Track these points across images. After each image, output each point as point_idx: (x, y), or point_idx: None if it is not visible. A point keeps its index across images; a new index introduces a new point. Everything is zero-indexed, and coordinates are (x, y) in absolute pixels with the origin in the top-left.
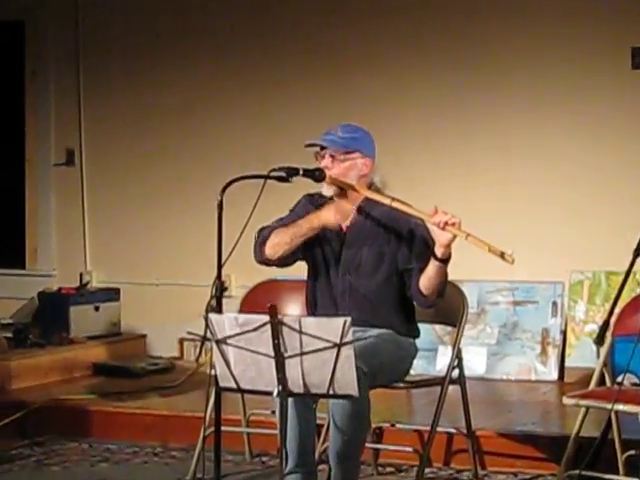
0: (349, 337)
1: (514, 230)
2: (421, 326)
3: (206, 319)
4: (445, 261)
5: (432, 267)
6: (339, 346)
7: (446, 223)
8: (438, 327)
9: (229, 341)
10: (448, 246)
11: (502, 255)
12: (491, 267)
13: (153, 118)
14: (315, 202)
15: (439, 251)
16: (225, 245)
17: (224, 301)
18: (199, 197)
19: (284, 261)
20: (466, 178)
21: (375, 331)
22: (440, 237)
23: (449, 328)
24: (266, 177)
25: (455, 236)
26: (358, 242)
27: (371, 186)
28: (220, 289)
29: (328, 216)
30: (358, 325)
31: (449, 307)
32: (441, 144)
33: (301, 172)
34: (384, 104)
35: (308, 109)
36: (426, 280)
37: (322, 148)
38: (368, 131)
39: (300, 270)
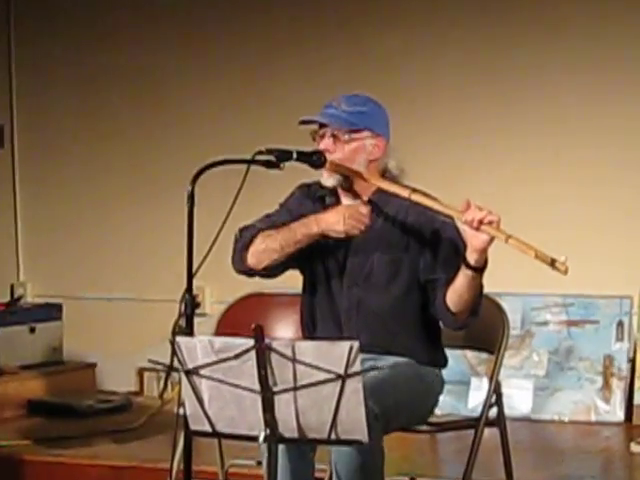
0: (357, 367)
1: (568, 232)
2: (449, 352)
3: (173, 343)
4: (480, 270)
5: (463, 277)
6: (344, 378)
7: (481, 221)
8: (470, 354)
9: (202, 372)
10: (484, 251)
11: (553, 263)
12: (539, 277)
13: (103, 90)
14: (312, 195)
15: (472, 257)
16: (197, 249)
17: (196, 320)
18: (164, 189)
19: (271, 271)
20: (507, 167)
21: (390, 359)
22: (474, 239)
23: (485, 355)
24: (250, 162)
25: (493, 238)
26: (368, 246)
27: (384, 174)
28: (191, 305)
29: (335, 223)
30: (368, 351)
31: (485, 328)
32: (475, 122)
33: (295, 156)
34: (401, 70)
35: (303, 78)
36: (455, 294)
37: (321, 126)
38: (380, 103)
39: (294, 280)
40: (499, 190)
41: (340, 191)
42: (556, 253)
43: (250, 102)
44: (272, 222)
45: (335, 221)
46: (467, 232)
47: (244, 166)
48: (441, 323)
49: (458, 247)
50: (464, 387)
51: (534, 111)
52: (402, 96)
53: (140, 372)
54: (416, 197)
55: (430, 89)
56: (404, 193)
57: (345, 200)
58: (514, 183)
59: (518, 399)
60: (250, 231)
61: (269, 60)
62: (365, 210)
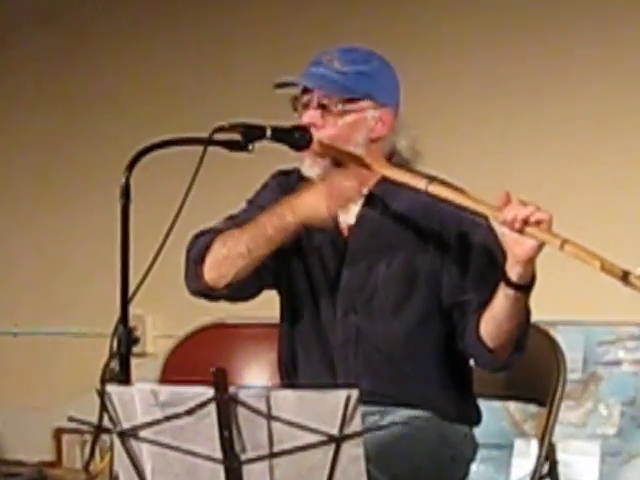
0: (356, 424)
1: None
2: (484, 404)
3: (102, 395)
4: (525, 288)
5: (503, 299)
6: (338, 441)
7: (526, 221)
8: (514, 407)
9: (143, 433)
10: (530, 262)
11: (625, 277)
12: (607, 300)
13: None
14: (292, 187)
15: (514, 271)
16: (135, 265)
17: (134, 362)
18: (88, 183)
19: (240, 289)
20: (553, 153)
21: (402, 413)
22: (516, 247)
23: (533, 408)
24: (207, 142)
25: (543, 244)
26: (370, 256)
27: (392, 157)
28: (127, 342)
29: (314, 204)
30: (372, 402)
31: (533, 371)
32: (512, 92)
33: (269, 133)
34: (415, 19)
35: (279, 31)
36: (493, 322)
37: (305, 91)
38: (387, 62)
39: (268, 304)
40: (542, 181)
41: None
42: (628, 264)
43: (208, 67)
44: (238, 224)
45: (315, 202)
46: (507, 237)
47: (199, 150)
48: (473, 362)
49: (495, 257)
50: (505, 452)
51: (580, 88)
52: (418, 55)
53: (57, 434)
54: (435, 189)
55: (456, 45)
56: (419, 184)
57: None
58: (566, 171)
59: (580, 468)
60: (206, 236)
61: (233, 8)
62: (346, 178)
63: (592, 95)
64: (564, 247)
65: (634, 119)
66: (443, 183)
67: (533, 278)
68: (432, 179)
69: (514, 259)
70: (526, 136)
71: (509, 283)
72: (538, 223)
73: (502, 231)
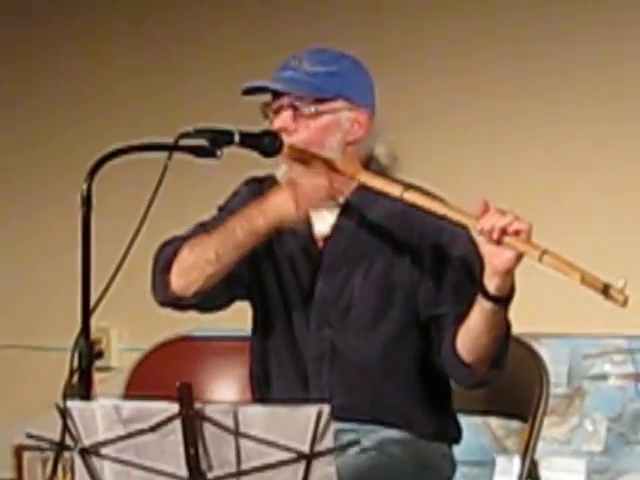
0: (328, 441)
1: (619, 245)
2: (464, 420)
3: (62, 411)
4: (503, 301)
5: (480, 312)
6: (310, 458)
7: (504, 231)
8: (495, 423)
9: (105, 450)
10: (508, 273)
11: (606, 290)
12: (592, 311)
13: None
14: (264, 193)
15: (492, 282)
16: (99, 276)
17: (97, 377)
18: (49, 192)
19: (209, 299)
20: (534, 159)
21: (377, 433)
22: (494, 257)
23: (514, 424)
24: (171, 148)
25: (521, 255)
26: (346, 267)
27: (369, 163)
28: (88, 355)
29: (283, 205)
30: (345, 419)
31: (515, 385)
32: (495, 95)
33: (237, 138)
34: (391, 23)
35: (253, 34)
36: (470, 336)
37: (275, 97)
38: (360, 62)
39: (239, 317)
40: (526, 189)
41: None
42: (610, 276)
43: (173, 71)
44: (207, 232)
45: (285, 202)
46: (485, 247)
47: (164, 156)
48: (451, 378)
49: (473, 270)
50: (486, 469)
51: (563, 90)
52: (394, 58)
53: (18, 451)
54: (411, 196)
55: (434, 48)
56: (396, 191)
57: (281, 176)
58: (544, 180)
59: None
60: (174, 244)
61: (205, 11)
62: (315, 177)
63: (578, 99)
64: (543, 258)
65: (625, 124)
66: (420, 191)
67: (512, 290)
68: (408, 186)
69: (492, 270)
70: (510, 142)
71: (486, 295)
72: (517, 233)
73: (480, 241)
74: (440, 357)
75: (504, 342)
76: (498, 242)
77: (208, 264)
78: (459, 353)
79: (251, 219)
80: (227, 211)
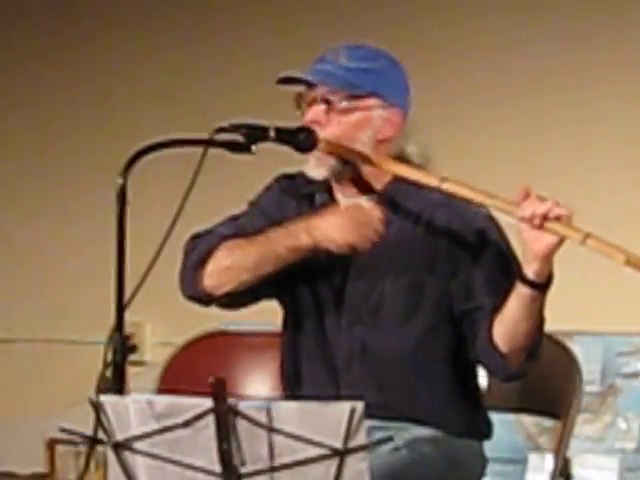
0: (361, 438)
1: None
2: (497, 417)
3: (95, 405)
4: (542, 287)
5: (518, 300)
6: (342, 454)
7: (545, 217)
8: (528, 420)
9: (138, 445)
10: (548, 258)
11: None
12: (625, 310)
13: None
14: (297, 191)
15: (532, 267)
16: (133, 271)
17: (131, 371)
18: (84, 187)
19: (236, 299)
20: (573, 154)
21: (410, 431)
22: (535, 243)
23: (547, 422)
24: (207, 143)
25: (562, 240)
26: (378, 265)
27: (401, 162)
28: (122, 350)
29: (332, 230)
30: (377, 417)
31: (548, 383)
32: (522, 94)
33: (272, 134)
34: (425, 21)
35: (282, 31)
36: (507, 324)
37: (309, 89)
38: (397, 61)
39: (272, 312)
40: (559, 188)
41: (335, 185)
42: None
43: (207, 65)
44: (240, 227)
45: (334, 228)
46: (526, 233)
47: (199, 152)
48: (486, 370)
49: (506, 260)
50: (519, 467)
51: (596, 87)
52: (429, 56)
53: (51, 445)
54: (449, 186)
55: (467, 47)
56: (432, 182)
57: (343, 197)
58: (580, 177)
59: None
60: (207, 240)
61: (235, 3)
62: (374, 210)
63: (609, 97)
64: (586, 242)
65: None
66: (457, 183)
67: (550, 277)
68: (444, 178)
69: (532, 255)
70: (541, 140)
71: (525, 281)
72: (558, 218)
73: (521, 228)
74: (475, 349)
75: (539, 334)
76: (540, 227)
77: (245, 271)
78: (496, 344)
79: (297, 236)
80: (258, 207)
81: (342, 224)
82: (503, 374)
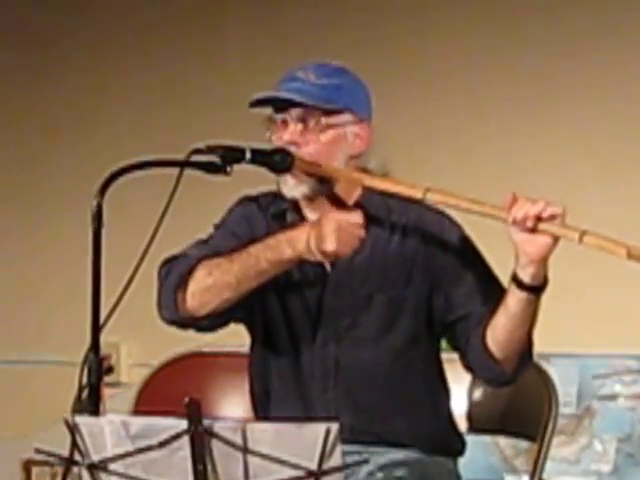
0: (335, 460)
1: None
2: (474, 439)
3: (71, 426)
4: (538, 290)
5: (515, 303)
6: (317, 476)
7: (539, 217)
8: (504, 442)
9: (113, 466)
10: (543, 260)
11: None
12: (602, 332)
13: None
14: (263, 211)
15: (527, 271)
16: (109, 292)
17: (107, 393)
18: (60, 207)
19: (215, 319)
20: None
21: (384, 455)
22: (529, 246)
23: (523, 443)
24: (183, 164)
25: (556, 241)
26: (353, 280)
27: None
28: (97, 371)
29: (324, 239)
30: (350, 441)
31: (524, 404)
32: (489, 105)
33: (248, 155)
34: (382, 35)
35: (256, 52)
36: (504, 329)
37: (279, 110)
38: (357, 74)
39: (244, 334)
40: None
41: (304, 203)
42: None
43: (185, 86)
44: (213, 249)
45: (324, 237)
46: (517, 236)
47: (175, 172)
48: (481, 377)
49: (486, 263)
50: None
51: (569, 90)
52: (386, 69)
53: (26, 466)
54: (434, 196)
55: (427, 58)
56: (416, 193)
57: (312, 215)
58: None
59: None
60: (183, 262)
61: (212, 26)
62: (355, 216)
63: (578, 100)
64: (583, 239)
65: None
66: (440, 192)
67: (545, 279)
68: (427, 189)
69: (527, 259)
70: (520, 160)
71: (522, 286)
72: (552, 218)
73: (511, 231)
74: (467, 359)
75: (532, 335)
76: (533, 230)
77: (227, 288)
78: (490, 351)
79: (278, 249)
80: (227, 229)
81: (333, 232)
82: (498, 381)
